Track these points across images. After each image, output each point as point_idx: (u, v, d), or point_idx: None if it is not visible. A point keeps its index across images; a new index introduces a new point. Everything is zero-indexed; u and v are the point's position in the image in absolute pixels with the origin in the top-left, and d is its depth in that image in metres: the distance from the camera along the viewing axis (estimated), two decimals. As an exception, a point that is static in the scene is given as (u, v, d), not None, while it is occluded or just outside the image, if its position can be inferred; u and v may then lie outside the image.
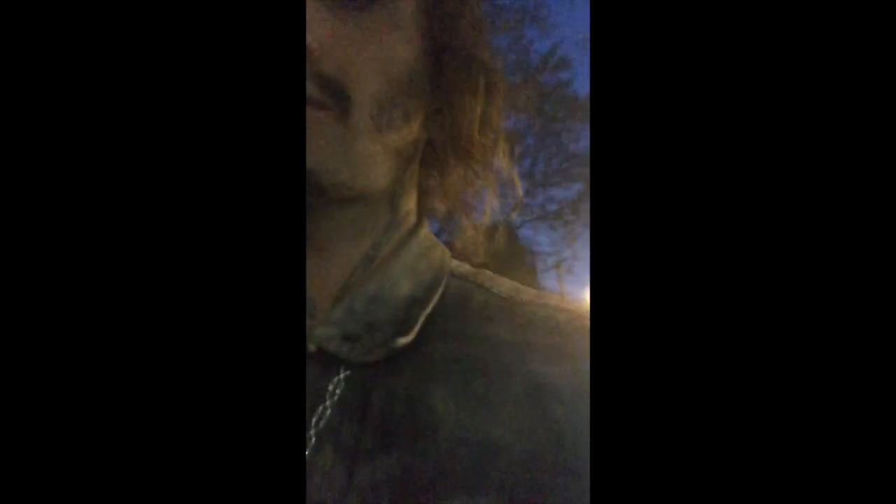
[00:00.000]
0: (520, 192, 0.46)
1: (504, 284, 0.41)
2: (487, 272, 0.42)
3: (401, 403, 0.32)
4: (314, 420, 0.32)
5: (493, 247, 0.45)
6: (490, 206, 0.44)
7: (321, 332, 0.34)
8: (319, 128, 0.32)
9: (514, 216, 0.46)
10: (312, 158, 0.32)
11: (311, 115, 0.32)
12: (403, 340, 0.34)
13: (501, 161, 0.43)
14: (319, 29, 0.32)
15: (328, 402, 0.33)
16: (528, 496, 0.29)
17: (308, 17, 0.31)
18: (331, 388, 0.33)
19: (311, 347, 0.34)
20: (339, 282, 0.37)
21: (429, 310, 0.36)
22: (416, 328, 0.35)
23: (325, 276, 0.37)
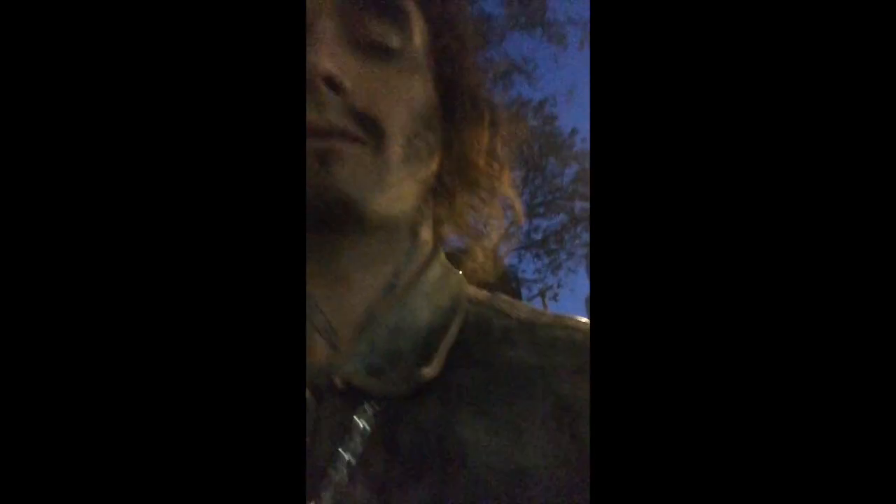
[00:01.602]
0: (521, 217, 0.48)
1: (522, 308, 0.41)
2: (503, 296, 0.42)
3: (429, 434, 0.32)
4: (344, 454, 0.32)
5: (500, 267, 0.47)
6: (497, 230, 0.46)
7: (346, 366, 0.34)
8: (358, 159, 0.34)
9: (513, 239, 0.48)
10: (353, 188, 0.33)
11: (350, 148, 0.34)
12: (428, 372, 0.34)
13: (505, 188, 0.45)
14: (350, 70, 0.34)
15: (357, 437, 0.33)
16: None
17: (338, 60, 0.34)
18: (359, 422, 0.33)
19: (338, 382, 0.34)
20: (362, 311, 0.38)
21: (450, 338, 0.36)
22: (438, 357, 0.35)
23: (347, 305, 0.37)
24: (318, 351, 0.36)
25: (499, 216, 0.45)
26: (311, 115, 0.33)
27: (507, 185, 0.45)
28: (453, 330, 0.37)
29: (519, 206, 0.47)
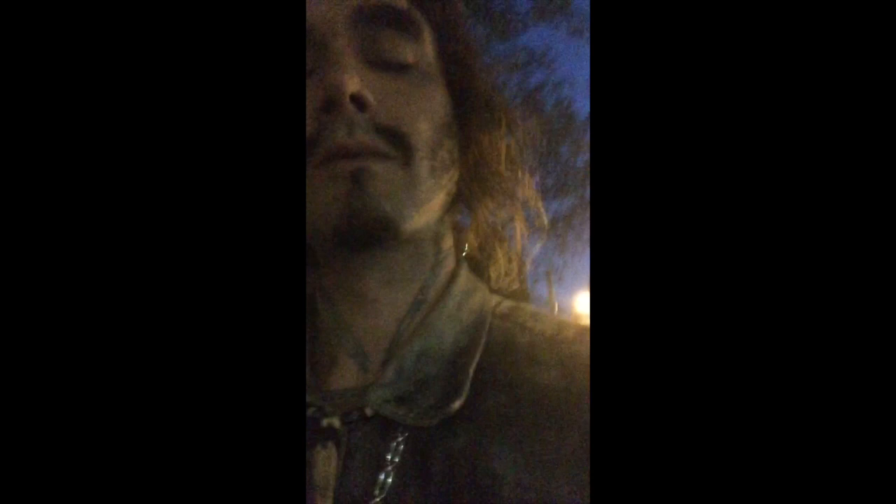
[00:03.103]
0: (545, 220, 0.47)
1: (546, 322, 0.39)
2: (527, 308, 0.41)
3: (460, 466, 0.31)
4: (377, 485, 0.32)
5: (525, 271, 0.46)
6: (520, 234, 0.45)
7: (376, 395, 0.34)
8: (390, 176, 0.34)
9: (538, 243, 0.47)
10: (389, 206, 0.34)
11: (381, 165, 0.34)
12: (457, 404, 0.33)
13: (527, 191, 0.44)
14: (372, 87, 0.34)
15: (389, 467, 0.32)
16: None
17: (360, 77, 0.34)
18: (390, 453, 0.33)
19: (369, 412, 0.34)
20: (390, 331, 0.37)
21: (476, 359, 0.35)
22: (467, 384, 0.34)
23: (377, 327, 0.37)
24: (349, 375, 0.37)
25: (521, 220, 0.45)
26: (341, 136, 0.33)
27: (528, 188, 0.44)
28: (479, 352, 0.36)
29: (542, 208, 0.46)
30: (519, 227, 0.45)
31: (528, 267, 0.48)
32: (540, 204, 0.46)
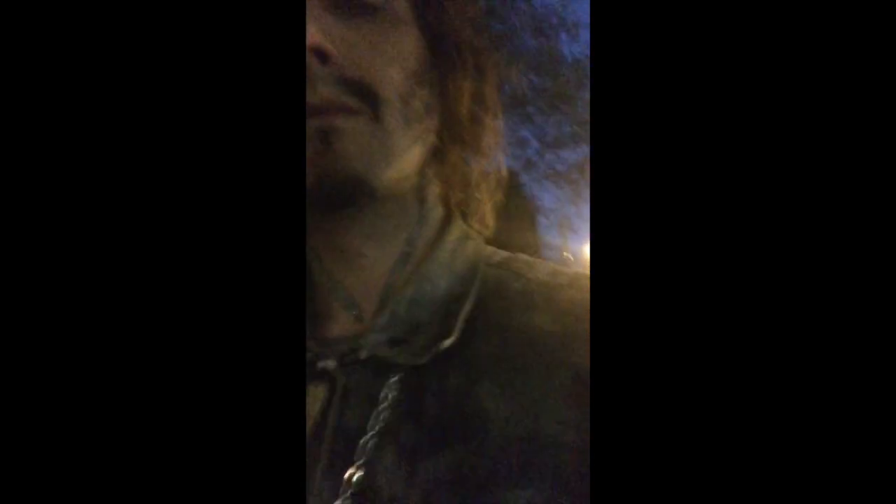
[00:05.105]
0: (504, 172, 0.46)
1: (540, 269, 0.40)
2: (522, 257, 0.41)
3: (451, 404, 0.33)
4: (371, 422, 0.33)
5: (496, 220, 0.46)
6: (488, 184, 0.45)
7: (371, 338, 0.35)
8: (359, 133, 0.33)
9: (498, 195, 0.46)
10: (359, 165, 0.33)
11: (349, 122, 0.32)
12: (447, 343, 0.34)
13: (491, 141, 0.43)
14: (335, 36, 0.32)
15: (384, 405, 0.33)
16: (580, 486, 0.29)
17: (320, 27, 0.31)
18: (385, 391, 0.34)
19: (364, 354, 0.35)
20: (381, 283, 0.38)
21: (468, 305, 0.36)
22: (458, 327, 0.35)
23: (366, 279, 0.38)
24: (343, 324, 0.38)
25: (488, 171, 0.44)
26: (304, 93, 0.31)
27: (493, 139, 0.43)
28: (471, 298, 0.37)
29: (503, 161, 0.45)
30: (489, 176, 0.45)
31: (498, 215, 0.47)
32: (502, 158, 0.45)
